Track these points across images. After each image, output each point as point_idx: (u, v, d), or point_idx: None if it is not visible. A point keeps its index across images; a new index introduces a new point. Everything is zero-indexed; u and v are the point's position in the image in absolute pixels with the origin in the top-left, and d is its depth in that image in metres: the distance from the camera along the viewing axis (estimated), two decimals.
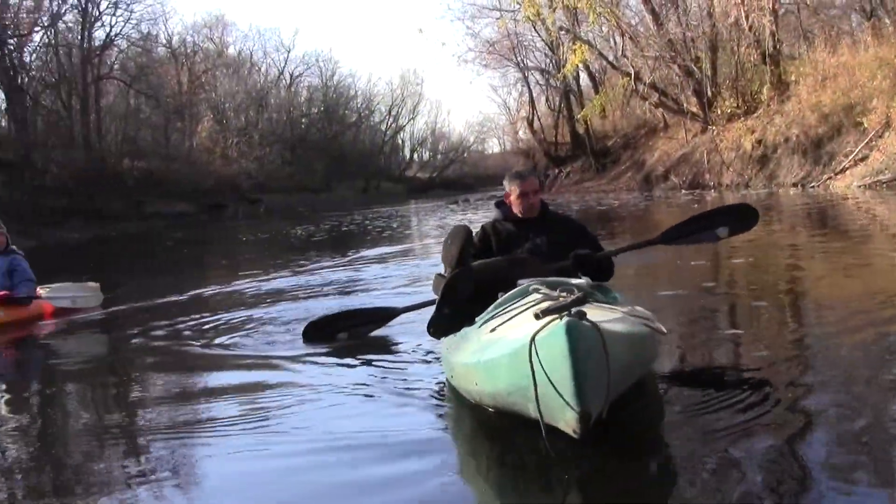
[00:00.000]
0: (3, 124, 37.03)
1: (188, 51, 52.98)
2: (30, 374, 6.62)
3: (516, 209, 5.30)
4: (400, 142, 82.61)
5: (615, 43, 35.31)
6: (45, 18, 38.00)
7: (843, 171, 21.32)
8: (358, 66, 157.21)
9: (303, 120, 66.55)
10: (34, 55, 38.89)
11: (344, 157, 67.78)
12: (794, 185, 22.81)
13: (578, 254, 5.00)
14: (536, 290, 3.55)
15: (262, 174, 51.64)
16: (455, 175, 79.70)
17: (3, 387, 5.87)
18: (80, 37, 39.48)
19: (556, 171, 43.38)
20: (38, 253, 25.23)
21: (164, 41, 50.55)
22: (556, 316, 2.76)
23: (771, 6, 26.19)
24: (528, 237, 5.24)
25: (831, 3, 28.89)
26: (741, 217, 5.81)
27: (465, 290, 4.50)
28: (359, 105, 74.74)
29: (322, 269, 12.36)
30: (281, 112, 62.54)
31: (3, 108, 37.44)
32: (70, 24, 39.86)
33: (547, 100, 47.23)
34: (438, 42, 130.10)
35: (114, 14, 42.89)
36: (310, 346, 5.97)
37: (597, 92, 39.85)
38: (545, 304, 2.81)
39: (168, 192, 41.07)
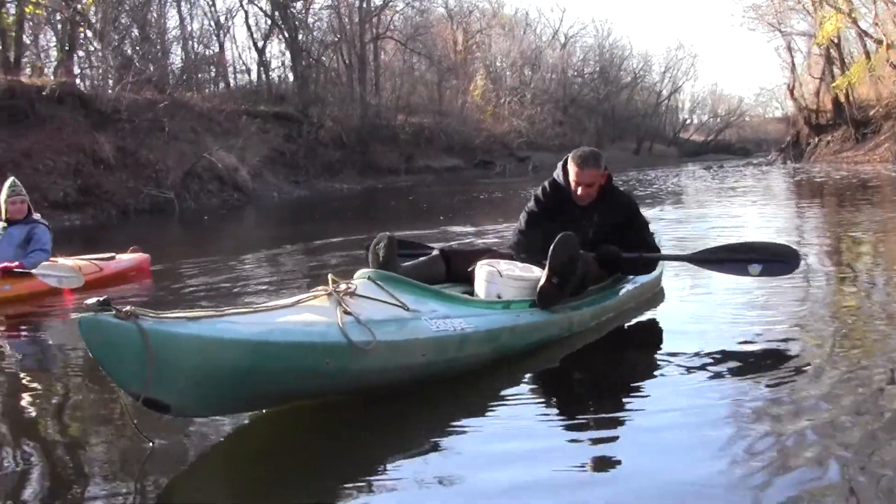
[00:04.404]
0: (291, 80, 38.38)
1: (464, 10, 53.11)
2: (35, 357, 5.70)
3: (573, 188, 5.21)
4: (677, 103, 79.80)
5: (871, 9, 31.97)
6: None
7: None
8: (631, 29, 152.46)
9: (576, 80, 65.29)
10: (316, 16, 40.10)
11: (616, 118, 66.26)
12: None
13: (604, 249, 5.09)
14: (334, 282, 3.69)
15: (533, 132, 51.11)
16: (733, 139, 76.31)
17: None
18: None
19: (816, 139, 39.90)
20: (308, 202, 26.36)
21: (441, 1, 51.05)
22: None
23: None
24: (579, 220, 5.18)
25: None
26: (780, 259, 5.24)
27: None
28: (634, 66, 72.59)
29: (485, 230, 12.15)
30: (554, 72, 61.59)
31: (287, 65, 38.83)
32: None
33: (809, 66, 43.47)
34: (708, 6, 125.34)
35: None
36: None
37: (868, 59, 36.15)
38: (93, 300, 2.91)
39: (439, 147, 41.53)
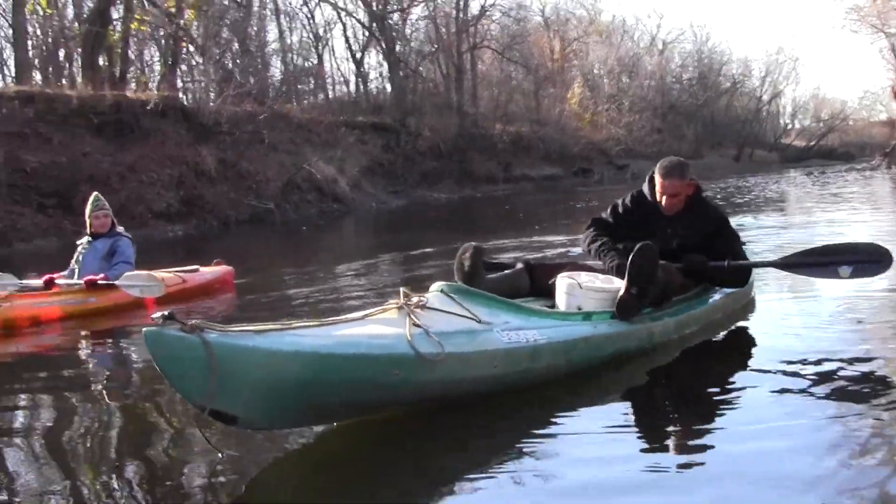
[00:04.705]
0: (389, 91, 38.28)
1: (561, 18, 52.36)
2: (117, 367, 5.74)
3: (658, 198, 5.16)
4: (777, 108, 77.43)
5: None
6: None
7: None
8: (730, 33, 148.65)
9: (674, 86, 63.84)
10: (414, 27, 40.20)
11: (715, 124, 64.68)
12: None
13: (690, 259, 5.00)
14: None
15: (631, 140, 50.01)
16: (835, 143, 73.80)
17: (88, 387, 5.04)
18: (455, 8, 40.08)
19: None
20: (405, 212, 26.20)
21: (538, 10, 50.50)
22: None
23: None
24: (663, 228, 5.11)
25: None
26: (871, 259, 4.99)
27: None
28: (734, 71, 70.66)
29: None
30: (652, 78, 60.34)
31: (385, 76, 38.79)
32: None
33: None
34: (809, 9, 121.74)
35: None
36: None
37: None
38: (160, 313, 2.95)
39: (537, 156, 40.97)
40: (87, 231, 7.99)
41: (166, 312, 2.92)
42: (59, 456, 3.61)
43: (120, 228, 8.08)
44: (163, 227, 20.26)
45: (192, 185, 22.02)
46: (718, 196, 22.59)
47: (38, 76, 25.88)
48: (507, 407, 3.71)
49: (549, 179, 39.41)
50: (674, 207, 5.12)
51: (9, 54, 29.03)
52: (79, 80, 23.54)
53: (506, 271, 5.05)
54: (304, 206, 25.11)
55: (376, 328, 3.43)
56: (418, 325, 3.46)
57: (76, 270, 7.81)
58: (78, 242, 8.13)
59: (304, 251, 15.48)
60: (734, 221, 5.41)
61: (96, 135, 20.78)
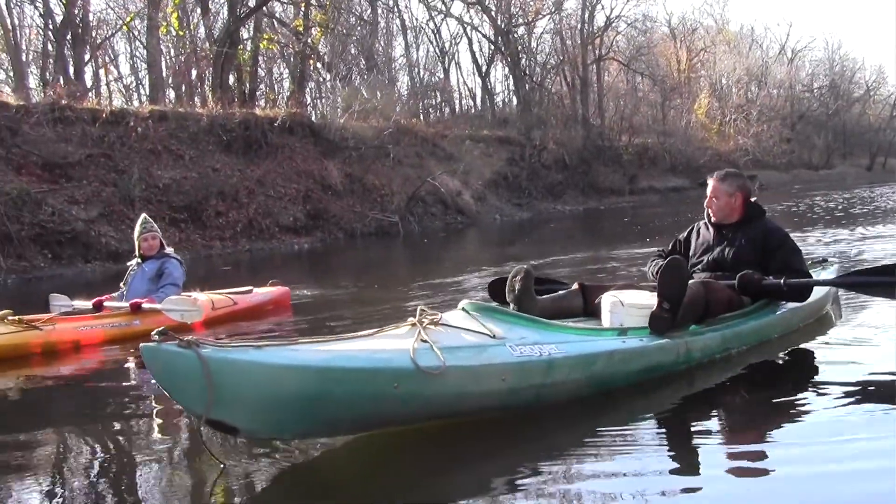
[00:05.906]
0: (514, 104, 37.66)
1: (687, 28, 50.76)
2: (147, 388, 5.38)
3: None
4: None
5: None
6: (550, 4, 38.19)
7: None
8: (863, 40, 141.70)
9: (805, 95, 61.09)
10: (539, 40, 39.63)
11: (847, 133, 61.79)
12: None
13: (743, 275, 4.77)
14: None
15: (759, 150, 48.03)
16: None
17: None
18: (580, 21, 39.31)
19: None
20: (528, 224, 25.46)
21: (664, 20, 49.08)
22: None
23: None
24: (719, 243, 5.09)
25: None
26: None
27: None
28: (866, 78, 67.28)
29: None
30: (781, 87, 57.86)
31: (510, 89, 38.24)
32: (570, 11, 40.16)
33: None
34: None
35: None
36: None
37: None
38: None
39: (662, 167, 39.81)
40: (136, 253, 7.86)
41: (162, 328, 3.01)
42: (73, 476, 3.62)
43: (169, 250, 7.92)
44: (289, 240, 20.23)
45: (319, 198, 21.88)
46: (840, 206, 21.71)
47: (171, 95, 26.32)
48: (516, 426, 3.59)
49: (674, 191, 38.21)
50: (718, 213, 5.13)
51: (143, 75, 29.67)
52: (209, 98, 23.54)
53: (559, 292, 5.01)
54: (427, 218, 24.72)
55: (382, 343, 3.41)
56: (425, 341, 3.41)
57: (125, 293, 7.71)
58: (128, 264, 8.06)
59: (416, 263, 15.27)
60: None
61: (226, 151, 20.75)
